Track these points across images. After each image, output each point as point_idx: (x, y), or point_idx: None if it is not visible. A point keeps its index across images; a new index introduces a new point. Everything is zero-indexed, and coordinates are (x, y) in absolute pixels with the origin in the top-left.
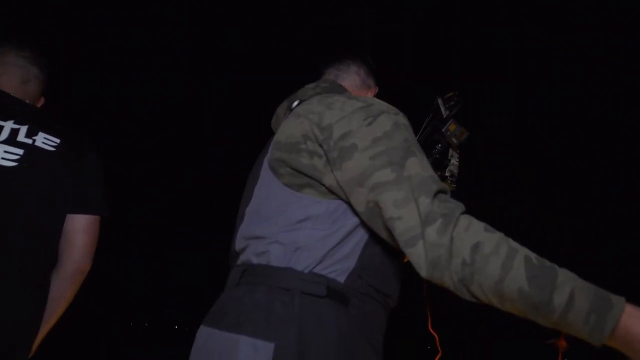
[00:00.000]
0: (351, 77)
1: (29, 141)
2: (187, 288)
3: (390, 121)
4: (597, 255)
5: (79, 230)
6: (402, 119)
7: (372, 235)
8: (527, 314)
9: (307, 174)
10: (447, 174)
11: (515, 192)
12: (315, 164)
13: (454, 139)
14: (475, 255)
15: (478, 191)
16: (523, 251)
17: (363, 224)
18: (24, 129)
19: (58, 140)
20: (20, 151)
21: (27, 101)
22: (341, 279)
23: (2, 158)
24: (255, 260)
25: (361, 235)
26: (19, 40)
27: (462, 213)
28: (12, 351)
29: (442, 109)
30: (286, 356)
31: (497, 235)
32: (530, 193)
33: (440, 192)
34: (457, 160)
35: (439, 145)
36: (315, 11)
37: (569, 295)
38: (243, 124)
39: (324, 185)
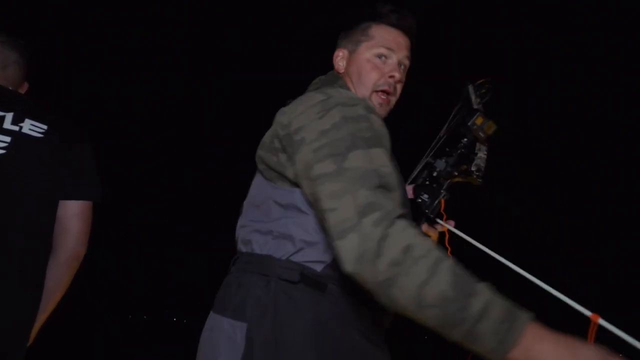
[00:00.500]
0: (335, 63)
1: (16, 128)
2: (186, 283)
3: (341, 114)
4: (597, 255)
5: (73, 217)
6: (360, 110)
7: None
8: (439, 323)
9: (275, 170)
10: (472, 168)
11: (515, 192)
12: (280, 160)
13: (481, 133)
14: (405, 256)
15: (478, 191)
16: (451, 259)
17: None
18: (9, 116)
19: (45, 127)
20: (8, 138)
21: (10, 88)
22: (318, 268)
23: None
24: (243, 249)
25: None
26: None
27: (401, 216)
28: (7, 347)
29: (473, 96)
30: (259, 336)
31: (430, 242)
32: (530, 193)
33: (383, 187)
34: (485, 153)
35: (465, 139)
36: (315, 11)
37: (485, 302)
38: (243, 124)
39: (287, 178)
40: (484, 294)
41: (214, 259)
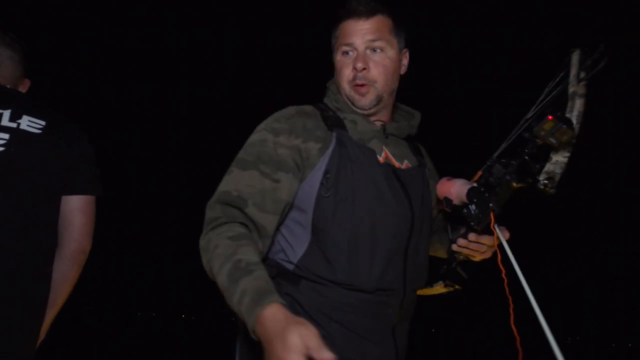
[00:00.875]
0: None
1: (14, 125)
2: (193, 280)
3: (248, 140)
4: (597, 255)
5: (75, 211)
6: (260, 135)
7: (317, 232)
8: (228, 303)
9: None
10: (541, 177)
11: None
12: None
13: (552, 139)
14: (212, 254)
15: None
16: (239, 256)
17: (296, 222)
18: (7, 114)
19: (43, 123)
20: (6, 135)
21: (8, 86)
22: (289, 267)
23: None
24: None
25: (300, 228)
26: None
27: (227, 222)
28: (17, 344)
29: (575, 68)
30: None
31: (234, 244)
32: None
33: (229, 204)
34: (566, 157)
35: (530, 144)
36: (316, 12)
37: (242, 292)
38: (247, 125)
39: None
40: (244, 285)
41: None
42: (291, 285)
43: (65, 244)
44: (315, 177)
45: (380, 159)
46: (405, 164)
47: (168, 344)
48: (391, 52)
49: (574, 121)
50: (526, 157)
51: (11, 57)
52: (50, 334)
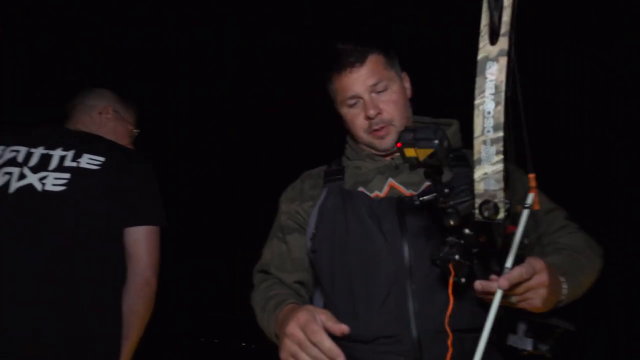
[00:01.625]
0: None
1: (74, 164)
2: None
3: None
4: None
5: (137, 242)
6: (279, 206)
7: (321, 287)
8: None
9: None
10: (476, 205)
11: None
12: None
13: (431, 163)
14: (255, 305)
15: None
16: (270, 293)
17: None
18: (70, 154)
19: (102, 159)
20: (68, 175)
21: (109, 137)
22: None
23: (53, 184)
24: None
25: (320, 286)
26: (88, 84)
27: (263, 281)
28: None
29: (485, 19)
30: None
31: (268, 288)
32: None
33: (262, 271)
34: (497, 164)
35: (433, 178)
36: (316, 12)
37: (268, 314)
38: (247, 125)
39: None
40: (269, 307)
41: None
42: None
43: (130, 277)
44: (308, 234)
45: (381, 194)
46: (423, 187)
47: None
48: (395, 86)
49: (492, 104)
50: (436, 192)
51: (115, 110)
52: None
